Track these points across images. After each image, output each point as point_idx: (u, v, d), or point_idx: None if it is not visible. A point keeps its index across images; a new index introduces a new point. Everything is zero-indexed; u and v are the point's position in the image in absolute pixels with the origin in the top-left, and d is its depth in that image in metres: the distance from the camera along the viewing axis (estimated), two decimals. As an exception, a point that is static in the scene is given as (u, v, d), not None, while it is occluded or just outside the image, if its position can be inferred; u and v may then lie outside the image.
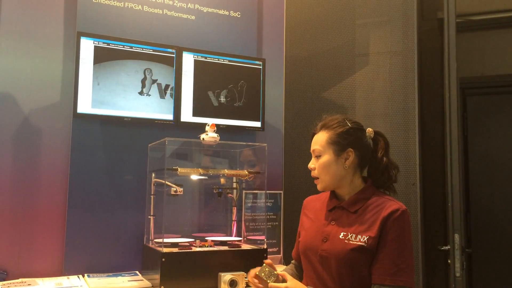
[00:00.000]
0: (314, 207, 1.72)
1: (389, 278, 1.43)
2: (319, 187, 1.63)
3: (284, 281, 1.55)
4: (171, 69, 2.39)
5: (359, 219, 1.53)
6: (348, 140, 1.58)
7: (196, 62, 2.46)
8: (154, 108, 2.34)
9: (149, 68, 2.34)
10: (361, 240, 1.48)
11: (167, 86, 2.38)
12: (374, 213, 1.51)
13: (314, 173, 1.62)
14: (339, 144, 1.58)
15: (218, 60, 2.51)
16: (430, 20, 2.95)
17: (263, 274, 1.60)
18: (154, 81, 2.35)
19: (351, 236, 1.50)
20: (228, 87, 2.51)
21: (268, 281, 1.58)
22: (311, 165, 1.63)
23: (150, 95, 2.33)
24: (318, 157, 1.60)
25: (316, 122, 1.67)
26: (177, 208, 2.35)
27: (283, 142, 2.77)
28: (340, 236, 1.52)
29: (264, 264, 1.61)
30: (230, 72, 2.53)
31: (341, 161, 1.58)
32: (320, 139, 1.61)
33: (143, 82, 2.32)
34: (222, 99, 2.49)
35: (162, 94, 2.36)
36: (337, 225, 1.56)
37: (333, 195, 1.66)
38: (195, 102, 2.44)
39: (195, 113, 2.44)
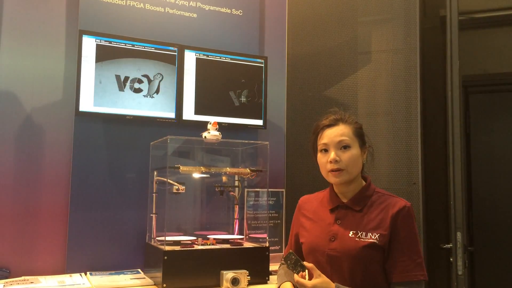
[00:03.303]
0: (311, 207, 1.70)
1: (410, 274, 1.46)
2: (341, 179, 1.55)
3: (310, 274, 1.50)
4: (173, 67, 2.39)
5: (366, 217, 1.54)
6: (363, 135, 1.63)
7: (198, 60, 2.46)
8: (156, 106, 2.34)
9: (152, 67, 2.34)
10: (372, 237, 1.49)
11: (169, 85, 2.38)
12: (381, 211, 1.53)
13: (340, 165, 1.54)
14: (362, 139, 1.61)
15: (220, 58, 2.51)
16: (433, 17, 2.94)
17: (288, 262, 1.48)
18: (156, 79, 2.35)
19: (361, 234, 1.51)
20: (231, 86, 2.52)
21: (294, 272, 1.47)
22: (336, 157, 1.54)
23: (152, 93, 2.34)
24: (345, 147, 1.56)
25: (326, 116, 1.63)
26: (179, 206, 2.36)
27: (285, 140, 2.78)
28: (350, 235, 1.52)
29: (290, 251, 1.52)
30: (232, 70, 2.53)
31: (363, 155, 1.60)
32: (346, 131, 1.58)
33: (146, 80, 2.32)
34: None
35: (164, 92, 2.36)
36: (344, 224, 1.55)
37: (333, 193, 1.63)
38: (197, 100, 2.44)
39: (197, 111, 2.44)
